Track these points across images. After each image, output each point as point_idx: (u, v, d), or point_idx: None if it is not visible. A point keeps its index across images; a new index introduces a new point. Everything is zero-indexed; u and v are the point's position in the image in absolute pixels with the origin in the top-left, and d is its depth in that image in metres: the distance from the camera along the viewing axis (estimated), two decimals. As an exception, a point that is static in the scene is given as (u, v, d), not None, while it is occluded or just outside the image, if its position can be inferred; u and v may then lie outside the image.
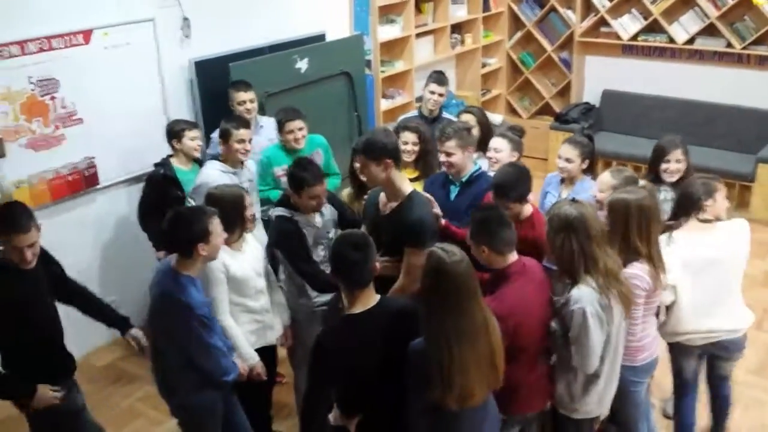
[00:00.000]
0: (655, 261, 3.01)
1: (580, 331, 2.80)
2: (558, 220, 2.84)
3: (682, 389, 3.69)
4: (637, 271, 2.98)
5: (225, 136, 4.09)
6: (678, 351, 3.54)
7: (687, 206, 3.37)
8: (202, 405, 3.14)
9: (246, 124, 4.19)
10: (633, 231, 2.97)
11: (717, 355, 3.59)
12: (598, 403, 3.01)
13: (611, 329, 2.85)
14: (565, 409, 3.05)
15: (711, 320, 3.37)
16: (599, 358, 2.86)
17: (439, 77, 5.02)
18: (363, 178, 3.39)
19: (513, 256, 2.89)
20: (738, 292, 3.48)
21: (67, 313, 4.65)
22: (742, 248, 3.39)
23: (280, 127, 4.38)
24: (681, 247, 3.29)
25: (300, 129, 4.36)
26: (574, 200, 2.96)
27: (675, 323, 3.38)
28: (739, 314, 3.48)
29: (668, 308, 3.38)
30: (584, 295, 2.77)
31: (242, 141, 4.08)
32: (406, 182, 3.29)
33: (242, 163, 4.19)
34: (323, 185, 3.50)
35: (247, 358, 3.30)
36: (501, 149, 4.08)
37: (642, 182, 3.44)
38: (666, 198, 3.84)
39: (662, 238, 3.26)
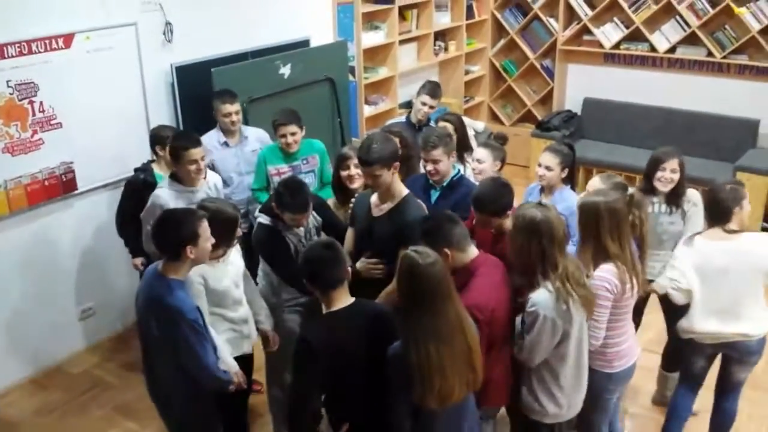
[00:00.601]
0: (627, 263, 3.02)
1: (531, 331, 2.84)
2: (523, 221, 2.85)
3: (686, 381, 3.76)
4: (605, 274, 2.99)
5: (176, 157, 3.83)
6: (690, 347, 3.61)
7: (717, 214, 3.41)
8: (195, 413, 3.08)
9: (198, 142, 3.91)
10: (604, 233, 2.99)
11: (729, 357, 3.61)
12: (567, 409, 3.03)
13: (572, 332, 2.87)
14: (534, 414, 3.05)
15: (721, 324, 3.41)
16: (542, 358, 2.91)
17: (433, 89, 5.03)
18: (368, 182, 3.44)
19: (474, 251, 2.95)
20: (758, 299, 3.45)
21: (50, 319, 4.66)
22: (761, 260, 3.40)
23: (274, 129, 4.38)
24: (697, 252, 3.36)
25: (292, 134, 4.32)
26: (540, 203, 2.99)
27: (688, 322, 3.46)
28: (756, 320, 3.45)
29: (687, 307, 3.45)
30: (541, 300, 2.81)
31: (194, 161, 3.83)
32: (401, 184, 3.41)
33: (201, 180, 3.98)
34: (306, 215, 3.48)
35: (228, 368, 3.29)
36: (483, 159, 4.09)
37: (631, 190, 3.45)
38: (660, 210, 3.86)
39: (683, 240, 3.40)
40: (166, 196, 3.86)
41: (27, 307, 4.56)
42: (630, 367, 3.21)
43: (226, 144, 4.62)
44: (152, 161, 4.37)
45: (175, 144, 3.87)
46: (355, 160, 3.86)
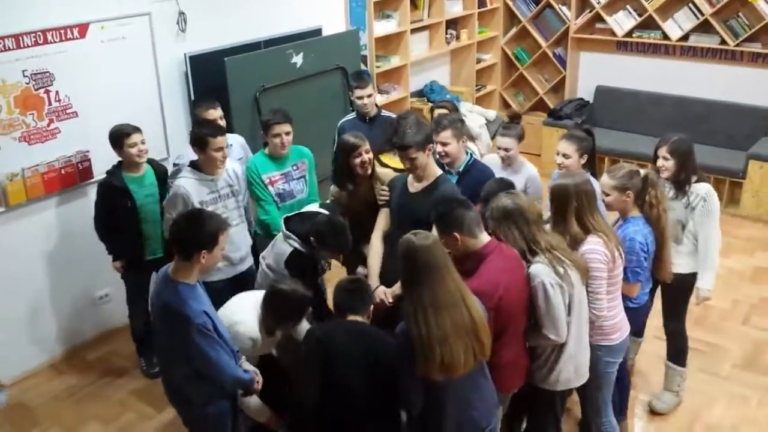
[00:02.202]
0: (607, 234, 3.15)
1: (546, 304, 2.96)
2: (498, 212, 3.04)
3: None
4: (593, 246, 3.11)
5: (202, 145, 3.85)
6: None
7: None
8: (215, 416, 3.11)
9: (222, 130, 3.99)
10: (580, 212, 3.15)
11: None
12: (575, 373, 3.15)
13: (573, 293, 3.01)
14: (545, 383, 3.15)
15: None
16: (566, 328, 3.02)
17: (360, 80, 4.79)
18: (407, 166, 3.62)
19: (485, 237, 2.99)
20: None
21: (67, 305, 4.73)
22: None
23: (267, 128, 4.24)
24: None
25: (287, 133, 4.24)
26: (508, 192, 3.16)
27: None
28: None
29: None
30: (539, 269, 2.96)
31: (220, 149, 3.87)
32: (435, 165, 3.70)
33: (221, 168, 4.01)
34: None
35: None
36: (511, 147, 4.13)
37: (642, 171, 3.47)
38: (670, 196, 3.82)
39: None
40: (188, 185, 3.87)
41: (44, 294, 4.63)
42: (626, 338, 3.33)
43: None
44: (121, 163, 4.23)
45: (200, 132, 3.88)
46: (366, 146, 3.98)
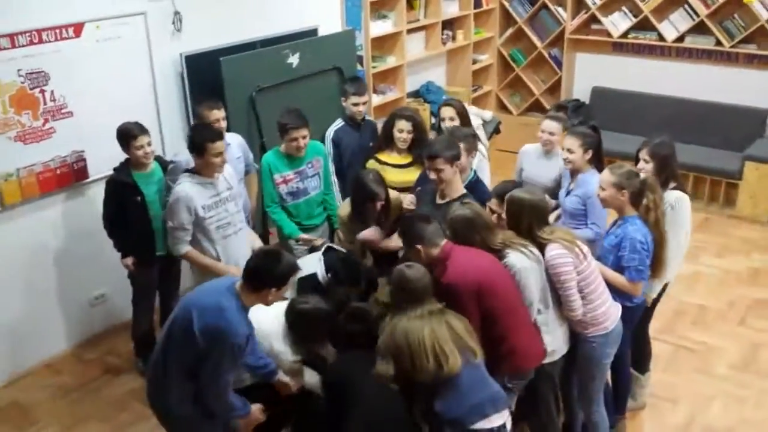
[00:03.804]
0: (564, 238, 3.25)
1: (537, 288, 3.21)
2: (460, 223, 3.24)
3: None
4: (555, 252, 3.21)
5: (200, 150, 3.78)
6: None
7: None
8: (188, 416, 3.04)
9: (221, 135, 3.95)
10: (533, 225, 3.26)
11: None
12: (562, 341, 3.38)
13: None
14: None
15: None
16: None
17: (359, 88, 4.78)
18: (434, 177, 3.77)
19: (443, 241, 3.19)
20: None
21: (64, 305, 4.71)
22: None
23: (284, 132, 4.24)
24: None
25: (304, 137, 4.25)
26: (463, 202, 3.39)
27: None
28: None
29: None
30: (512, 260, 3.18)
31: (219, 154, 3.81)
32: (461, 183, 3.88)
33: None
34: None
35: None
36: (555, 132, 4.23)
37: (643, 175, 3.47)
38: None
39: None
40: (190, 190, 3.79)
41: (40, 294, 4.61)
42: (617, 326, 3.39)
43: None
44: (128, 160, 4.20)
45: (198, 137, 3.81)
46: (383, 196, 3.96)
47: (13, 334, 4.54)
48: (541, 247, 3.25)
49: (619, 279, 3.44)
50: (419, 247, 3.15)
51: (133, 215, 4.18)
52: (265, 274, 2.89)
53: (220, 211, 3.90)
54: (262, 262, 2.93)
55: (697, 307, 5.18)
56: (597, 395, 3.53)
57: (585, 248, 3.31)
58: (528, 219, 3.26)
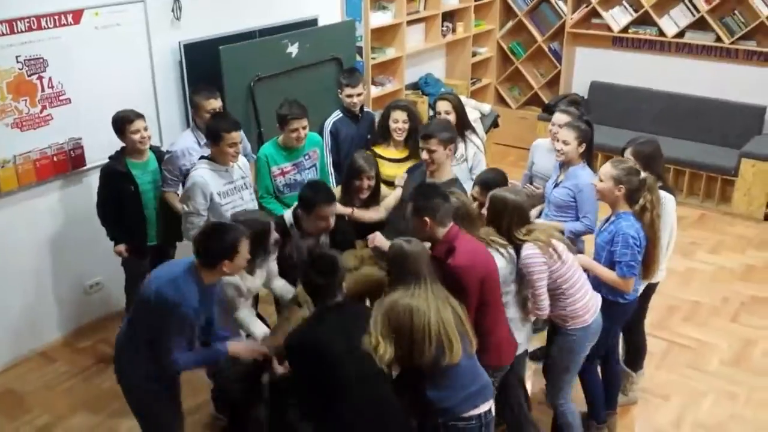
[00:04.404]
0: (541, 239, 3.26)
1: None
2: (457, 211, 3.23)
3: None
4: (529, 251, 3.25)
5: (216, 139, 3.85)
6: None
7: None
8: (146, 390, 3.17)
9: (238, 125, 3.97)
10: (511, 224, 3.29)
11: None
12: (525, 338, 3.48)
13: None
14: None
15: None
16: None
17: (354, 78, 4.77)
18: (426, 157, 3.84)
19: (450, 223, 3.16)
20: None
21: (59, 293, 4.71)
22: None
23: (284, 123, 4.24)
24: None
25: (304, 128, 4.26)
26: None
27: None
28: None
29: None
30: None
31: (234, 144, 3.88)
32: (451, 168, 3.96)
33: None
34: (334, 206, 3.65)
35: (259, 335, 3.45)
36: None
37: (643, 174, 3.48)
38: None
39: None
40: (206, 175, 3.87)
41: (35, 282, 4.62)
42: (598, 317, 3.44)
43: (207, 144, 4.21)
44: (124, 148, 4.22)
45: (215, 127, 3.88)
46: (371, 173, 3.99)
47: (8, 322, 4.55)
48: (517, 247, 3.28)
49: (609, 275, 3.46)
50: (427, 219, 3.07)
51: (126, 204, 4.20)
52: (210, 251, 2.96)
53: (235, 198, 3.98)
54: (204, 239, 2.99)
55: (690, 303, 5.21)
56: (567, 387, 3.59)
57: (561, 247, 3.31)
58: (509, 219, 3.29)
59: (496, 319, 3.21)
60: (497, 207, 3.31)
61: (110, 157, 4.24)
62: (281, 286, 3.68)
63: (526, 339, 3.49)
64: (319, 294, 3.00)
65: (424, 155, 3.84)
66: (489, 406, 3.00)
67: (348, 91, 4.72)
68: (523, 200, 3.37)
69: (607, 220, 3.57)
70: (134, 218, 4.24)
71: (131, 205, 4.21)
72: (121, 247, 4.31)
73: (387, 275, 3.08)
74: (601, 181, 3.48)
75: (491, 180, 3.72)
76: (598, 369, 3.83)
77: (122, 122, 4.11)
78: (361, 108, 4.88)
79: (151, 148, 4.33)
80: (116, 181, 4.17)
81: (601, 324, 3.47)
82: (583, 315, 3.38)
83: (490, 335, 3.15)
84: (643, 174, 3.48)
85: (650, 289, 3.96)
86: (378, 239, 3.63)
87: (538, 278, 3.24)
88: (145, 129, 4.17)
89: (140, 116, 4.16)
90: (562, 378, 3.56)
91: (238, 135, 3.92)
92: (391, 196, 4.14)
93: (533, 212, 4.08)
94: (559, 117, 4.20)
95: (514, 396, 3.59)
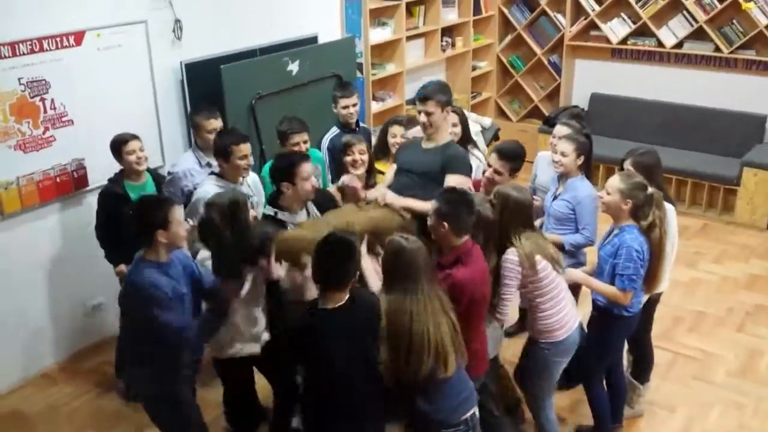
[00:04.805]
0: (524, 250, 3.28)
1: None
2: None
3: None
4: (509, 256, 3.28)
5: (226, 154, 3.84)
6: None
7: None
8: (161, 395, 3.19)
9: (245, 137, 3.97)
10: (510, 223, 3.29)
11: None
12: (493, 347, 3.51)
13: None
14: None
15: None
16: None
17: (347, 90, 4.81)
18: (424, 119, 3.80)
19: (465, 239, 3.15)
20: None
21: (62, 314, 4.71)
22: None
23: (285, 138, 4.26)
24: None
25: (305, 142, 4.28)
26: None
27: None
28: None
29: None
30: None
31: (245, 156, 3.88)
32: (447, 132, 3.96)
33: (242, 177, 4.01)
34: (246, 144, 3.80)
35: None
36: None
37: (650, 189, 3.47)
38: None
39: None
40: (211, 191, 3.79)
41: (39, 303, 4.62)
42: (573, 333, 3.46)
43: (209, 165, 4.29)
44: (122, 171, 4.21)
45: (224, 142, 3.87)
46: (361, 146, 4.06)
47: (11, 343, 4.54)
48: (504, 249, 3.30)
49: (607, 289, 3.47)
50: (446, 225, 3.05)
51: (125, 227, 4.05)
52: (142, 225, 3.04)
53: None
54: (135, 215, 3.09)
55: (695, 314, 5.19)
56: (543, 396, 3.60)
57: (542, 264, 3.30)
58: (508, 216, 3.28)
59: (478, 330, 3.23)
60: (500, 202, 3.31)
61: (109, 180, 4.25)
62: None
63: (494, 346, 3.52)
64: (329, 282, 2.84)
65: (422, 118, 3.81)
66: (475, 409, 3.05)
67: (343, 102, 4.75)
68: (526, 198, 3.35)
69: (611, 232, 3.57)
70: (131, 241, 4.18)
71: (129, 228, 4.14)
72: (122, 267, 4.25)
73: (383, 272, 2.98)
74: (608, 193, 3.47)
75: (509, 149, 3.85)
76: (604, 382, 3.82)
77: (118, 144, 4.12)
78: (357, 123, 4.90)
79: (149, 170, 4.31)
80: (114, 204, 4.14)
81: (576, 341, 3.49)
82: (556, 330, 3.40)
83: (469, 344, 3.11)
84: (650, 189, 3.47)
85: (654, 300, 3.95)
86: (389, 196, 3.59)
87: (508, 284, 3.27)
88: (141, 150, 4.16)
89: (135, 137, 4.17)
90: (535, 388, 3.61)
91: (247, 147, 3.92)
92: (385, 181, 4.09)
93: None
94: (560, 129, 4.21)
95: (485, 404, 3.57)
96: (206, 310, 3.24)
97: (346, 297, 2.87)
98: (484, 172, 4.06)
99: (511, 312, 3.40)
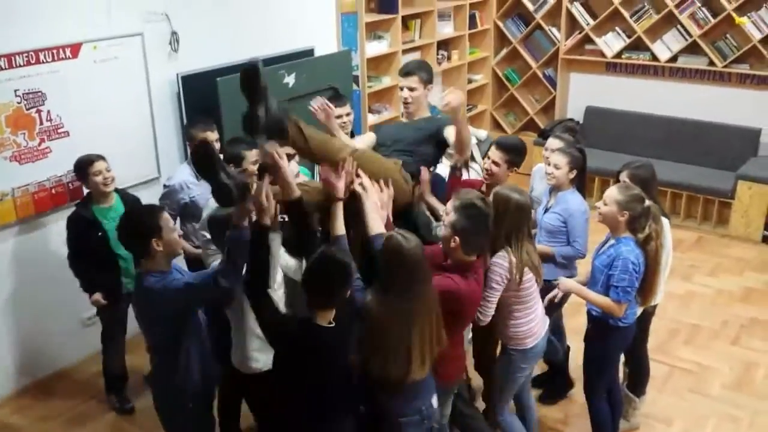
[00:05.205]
0: (529, 254, 3.30)
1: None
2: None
3: None
4: (498, 260, 3.26)
5: (238, 161, 3.77)
6: None
7: None
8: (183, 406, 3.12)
9: (253, 144, 3.85)
10: (507, 224, 3.25)
11: None
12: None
13: None
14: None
15: None
16: None
17: (338, 101, 4.61)
18: (406, 95, 3.84)
19: (473, 258, 3.11)
20: None
21: (57, 325, 4.69)
22: None
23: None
24: None
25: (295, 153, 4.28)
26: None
27: None
28: None
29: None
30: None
31: (256, 162, 3.82)
32: (427, 109, 3.96)
33: None
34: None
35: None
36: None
37: (648, 203, 3.47)
38: None
39: None
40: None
41: (32, 314, 4.61)
42: (540, 343, 3.50)
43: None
44: (90, 195, 4.13)
45: (235, 151, 3.81)
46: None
47: (5, 354, 4.53)
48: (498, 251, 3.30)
49: (601, 300, 3.47)
50: (457, 239, 2.99)
51: (97, 252, 4.07)
52: (134, 238, 2.93)
53: None
54: (126, 230, 2.97)
55: (690, 327, 5.20)
56: (503, 399, 3.63)
57: (528, 276, 3.31)
58: (510, 220, 3.24)
59: (459, 336, 3.26)
60: (499, 206, 3.25)
61: (76, 205, 4.16)
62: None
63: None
64: (318, 302, 2.74)
65: (405, 93, 3.81)
66: (432, 400, 3.03)
67: (337, 111, 4.72)
68: (526, 201, 3.33)
69: (606, 242, 3.58)
70: (106, 266, 4.10)
71: (101, 252, 4.07)
72: (98, 296, 4.16)
73: (379, 265, 2.85)
74: (605, 204, 3.48)
75: (508, 141, 3.91)
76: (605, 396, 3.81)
77: (84, 165, 4.02)
78: (352, 133, 4.88)
79: (117, 191, 4.22)
80: (83, 228, 4.05)
81: (543, 349, 3.56)
82: (524, 339, 3.44)
83: (447, 351, 3.11)
84: (647, 202, 3.47)
85: (650, 313, 3.95)
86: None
87: (494, 287, 3.27)
88: (108, 170, 4.05)
89: (101, 157, 4.06)
90: (496, 391, 3.64)
91: (255, 153, 3.83)
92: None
93: None
94: (553, 142, 4.23)
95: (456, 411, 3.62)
96: (225, 253, 2.97)
97: (333, 314, 2.78)
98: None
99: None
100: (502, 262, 3.26)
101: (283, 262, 3.18)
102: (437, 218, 3.51)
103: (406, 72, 3.85)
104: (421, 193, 3.64)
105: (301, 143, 3.19)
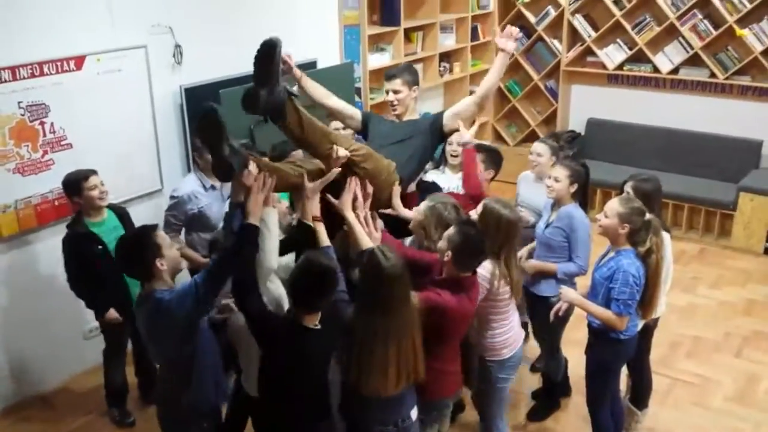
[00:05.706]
0: (509, 268, 3.32)
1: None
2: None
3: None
4: (482, 271, 3.27)
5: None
6: None
7: None
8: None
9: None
10: (504, 245, 3.30)
11: None
12: None
13: None
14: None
15: None
16: None
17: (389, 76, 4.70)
18: (391, 98, 3.87)
19: (467, 274, 3.14)
20: None
21: (58, 338, 4.69)
22: None
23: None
24: None
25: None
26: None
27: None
28: None
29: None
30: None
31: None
32: (416, 111, 3.98)
33: None
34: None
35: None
36: (543, 153, 4.35)
37: (648, 216, 3.48)
38: None
39: None
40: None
41: (35, 326, 4.60)
42: (517, 353, 3.52)
43: (213, 188, 4.35)
44: (79, 213, 4.04)
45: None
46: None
47: (7, 366, 4.53)
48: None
49: (602, 313, 3.47)
50: (451, 255, 3.02)
51: (100, 267, 3.97)
52: (137, 262, 2.88)
53: None
54: (125, 258, 2.93)
55: (693, 339, 5.18)
56: (493, 414, 3.61)
57: (504, 290, 3.34)
58: (502, 237, 3.28)
59: (454, 352, 3.26)
60: (490, 221, 3.28)
61: (68, 226, 4.06)
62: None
63: None
64: (304, 307, 2.80)
65: (390, 96, 3.83)
66: (411, 413, 3.03)
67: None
68: (515, 216, 3.39)
69: (605, 255, 3.58)
70: (111, 281, 3.97)
71: (105, 267, 3.94)
72: (113, 312, 4.06)
73: (359, 278, 2.93)
74: (606, 216, 3.48)
75: (484, 147, 4.09)
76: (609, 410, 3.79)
77: (78, 181, 3.94)
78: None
79: (111, 206, 4.15)
80: (82, 245, 3.96)
81: (521, 358, 3.56)
82: (501, 349, 3.46)
83: (439, 367, 3.15)
84: (648, 216, 3.47)
85: (652, 325, 3.95)
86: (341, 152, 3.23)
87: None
88: (102, 184, 4.00)
89: (94, 172, 3.99)
90: (483, 405, 3.65)
91: None
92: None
93: (524, 251, 4.11)
94: (536, 146, 4.37)
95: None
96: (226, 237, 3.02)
97: (318, 317, 2.84)
98: None
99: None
100: (482, 272, 3.27)
101: (284, 263, 3.20)
102: (407, 223, 3.48)
103: (389, 75, 3.89)
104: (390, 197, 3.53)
105: (295, 126, 3.26)
